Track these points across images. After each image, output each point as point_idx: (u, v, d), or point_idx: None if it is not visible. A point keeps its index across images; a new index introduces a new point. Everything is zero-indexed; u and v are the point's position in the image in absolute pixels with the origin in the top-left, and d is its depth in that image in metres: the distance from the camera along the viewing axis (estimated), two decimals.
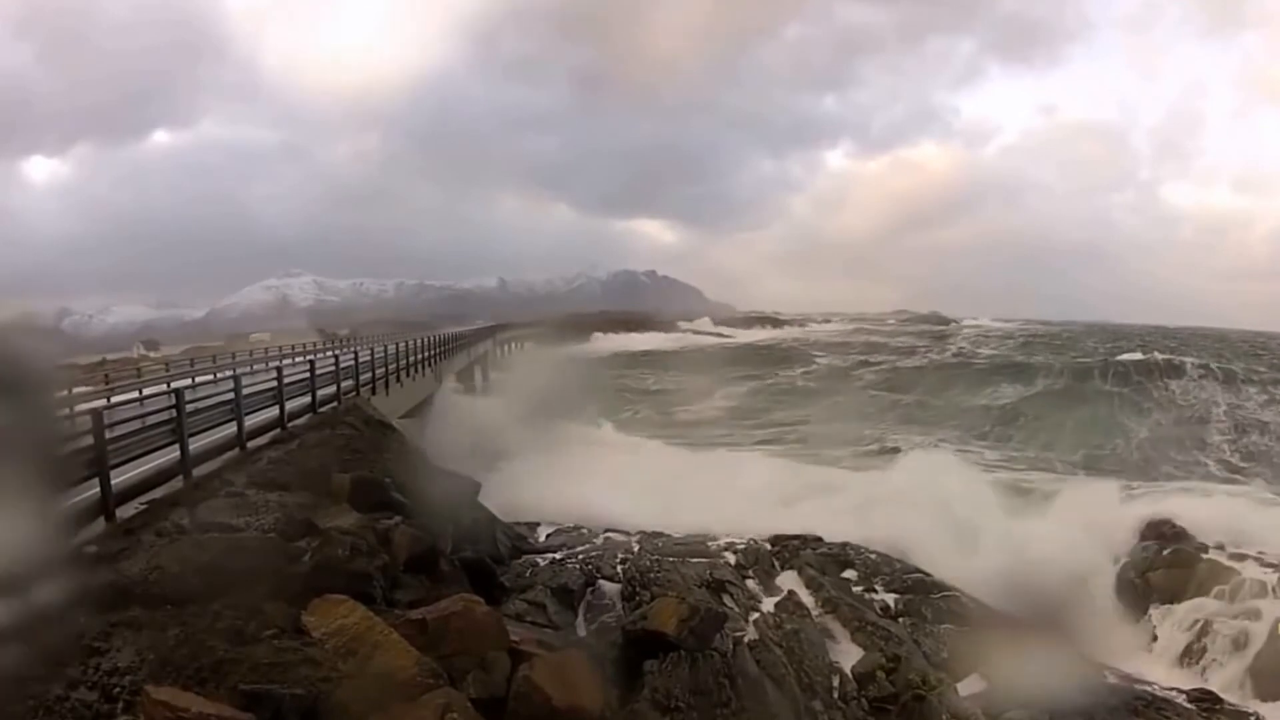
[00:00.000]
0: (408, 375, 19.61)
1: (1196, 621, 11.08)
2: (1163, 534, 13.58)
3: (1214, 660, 10.42)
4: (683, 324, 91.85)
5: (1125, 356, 40.42)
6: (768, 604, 11.03)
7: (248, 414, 10.18)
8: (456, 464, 14.22)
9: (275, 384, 11.44)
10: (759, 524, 14.05)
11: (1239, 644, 10.47)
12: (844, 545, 13.47)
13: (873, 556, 12.98)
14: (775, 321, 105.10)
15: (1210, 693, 9.20)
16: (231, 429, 9.79)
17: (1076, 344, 51.32)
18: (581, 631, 9.50)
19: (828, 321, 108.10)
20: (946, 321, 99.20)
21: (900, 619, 10.95)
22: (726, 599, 10.92)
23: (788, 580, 12.05)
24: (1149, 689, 9.08)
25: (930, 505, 14.67)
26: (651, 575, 10.87)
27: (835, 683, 9.44)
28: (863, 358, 49.17)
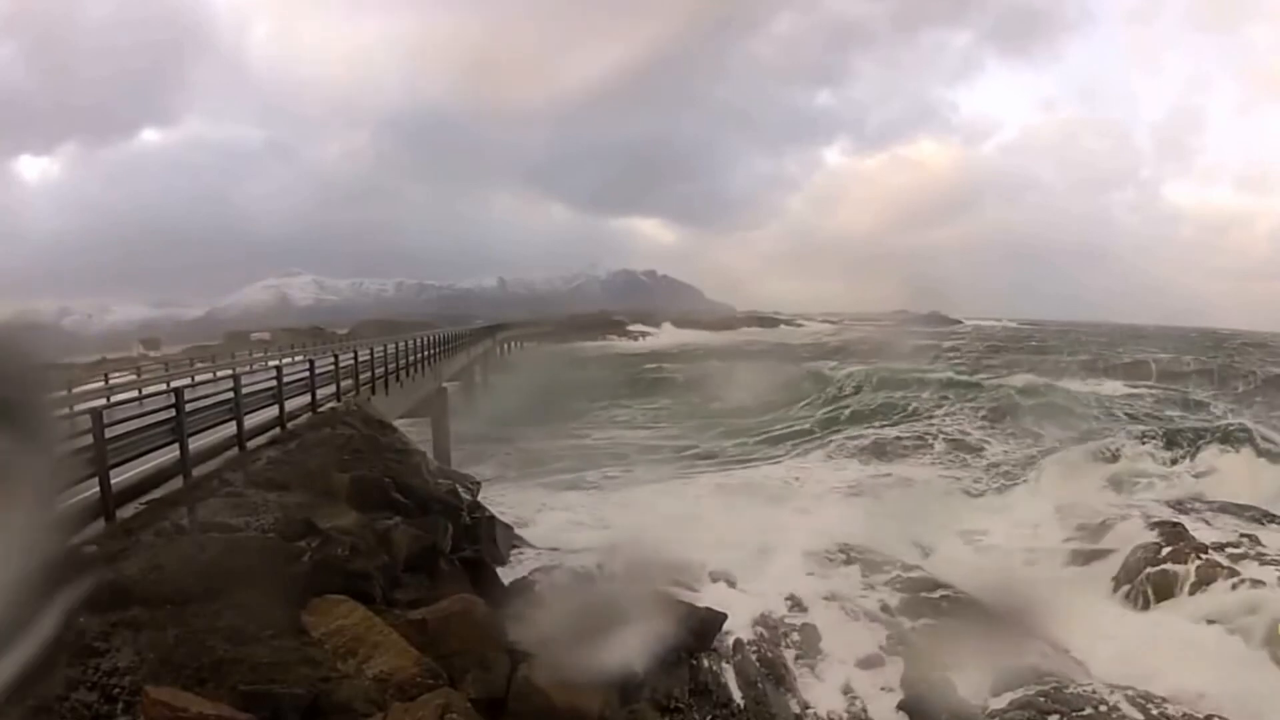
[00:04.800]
0: (406, 375, 19.62)
1: (1195, 621, 11.08)
2: (1162, 533, 13.58)
3: (1213, 660, 10.39)
4: (636, 327, 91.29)
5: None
6: (768, 602, 11.02)
7: (247, 414, 10.17)
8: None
9: (275, 383, 11.43)
10: None
11: (1238, 644, 10.46)
12: (844, 544, 13.49)
13: (873, 555, 12.99)
14: (767, 321, 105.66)
15: (1210, 696, 9.19)
16: (231, 429, 9.79)
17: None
18: None
19: (828, 322, 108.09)
20: (946, 322, 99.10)
21: (901, 617, 10.94)
22: (727, 597, 10.93)
23: (787, 578, 12.04)
24: (1149, 688, 9.08)
25: None
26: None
27: (835, 682, 9.44)
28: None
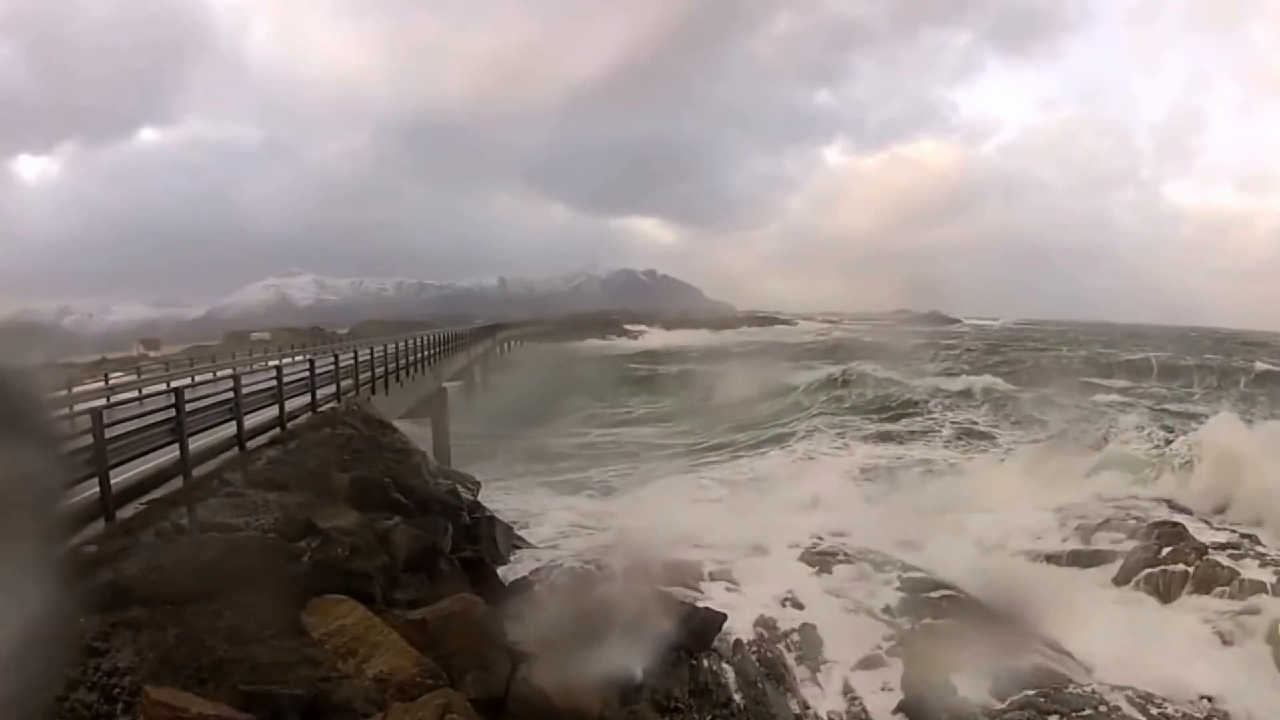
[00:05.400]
0: (406, 375, 19.63)
1: (1195, 622, 11.08)
2: (1161, 533, 13.58)
3: (1213, 661, 10.40)
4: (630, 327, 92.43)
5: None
6: (767, 602, 11.03)
7: (247, 414, 10.17)
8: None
9: (275, 383, 11.43)
10: None
11: (1238, 644, 10.47)
12: (843, 543, 13.51)
13: (873, 555, 13.00)
14: (763, 321, 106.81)
15: (1210, 696, 9.21)
16: (231, 429, 9.79)
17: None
18: None
19: (828, 322, 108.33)
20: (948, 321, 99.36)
21: (901, 617, 10.95)
22: (726, 596, 10.93)
23: (787, 578, 12.05)
24: (1149, 688, 9.09)
25: None
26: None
27: (835, 682, 9.44)
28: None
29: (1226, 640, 10.58)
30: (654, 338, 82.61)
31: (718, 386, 33.31)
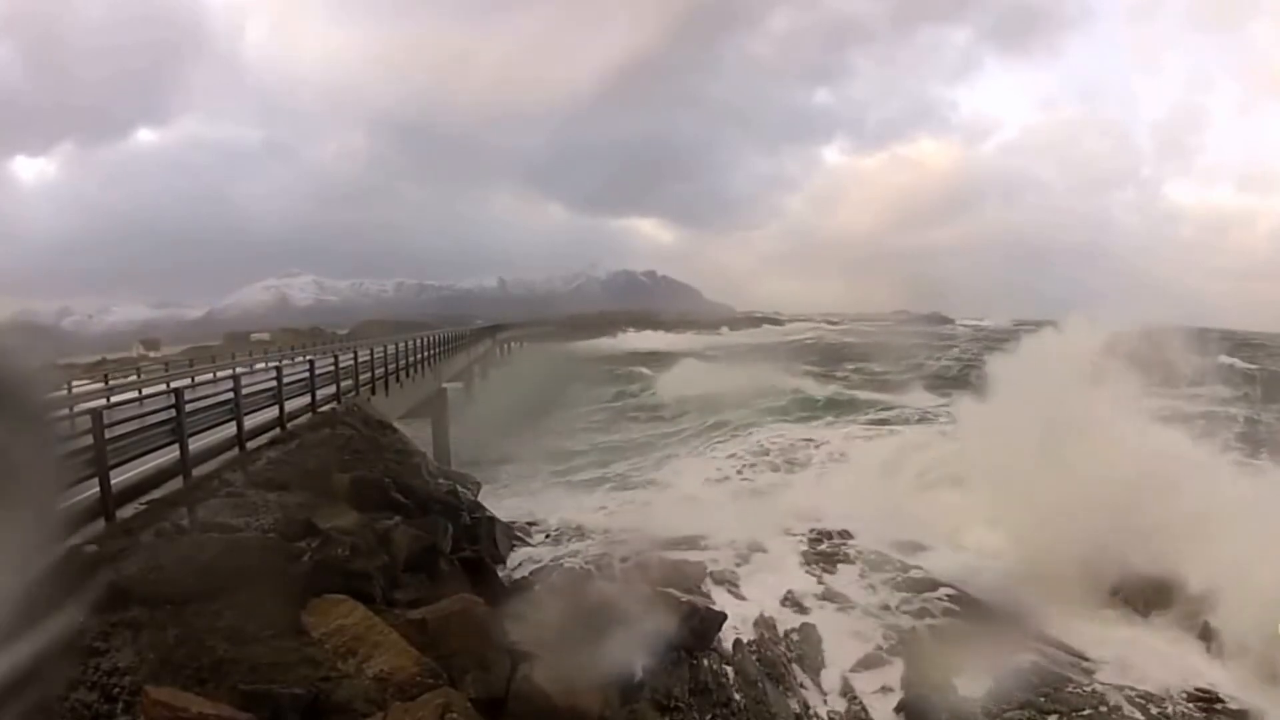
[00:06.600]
0: (406, 376, 19.63)
1: (1195, 621, 11.08)
2: None
3: (1213, 660, 10.41)
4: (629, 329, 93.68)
5: None
6: (767, 602, 11.03)
7: (247, 414, 10.17)
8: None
9: (275, 384, 11.43)
10: None
11: (1237, 643, 10.47)
12: (843, 543, 13.51)
13: (873, 554, 13.00)
14: (755, 322, 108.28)
15: (1209, 691, 9.21)
16: (231, 429, 9.79)
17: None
18: None
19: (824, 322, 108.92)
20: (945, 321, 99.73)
21: (901, 617, 10.94)
22: (726, 597, 10.94)
23: (787, 578, 12.05)
24: (1149, 688, 9.09)
25: None
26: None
27: (835, 682, 9.44)
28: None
29: (1227, 640, 10.56)
30: (651, 339, 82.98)
31: (711, 382, 33.69)
